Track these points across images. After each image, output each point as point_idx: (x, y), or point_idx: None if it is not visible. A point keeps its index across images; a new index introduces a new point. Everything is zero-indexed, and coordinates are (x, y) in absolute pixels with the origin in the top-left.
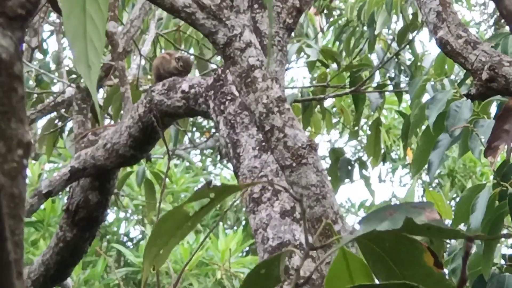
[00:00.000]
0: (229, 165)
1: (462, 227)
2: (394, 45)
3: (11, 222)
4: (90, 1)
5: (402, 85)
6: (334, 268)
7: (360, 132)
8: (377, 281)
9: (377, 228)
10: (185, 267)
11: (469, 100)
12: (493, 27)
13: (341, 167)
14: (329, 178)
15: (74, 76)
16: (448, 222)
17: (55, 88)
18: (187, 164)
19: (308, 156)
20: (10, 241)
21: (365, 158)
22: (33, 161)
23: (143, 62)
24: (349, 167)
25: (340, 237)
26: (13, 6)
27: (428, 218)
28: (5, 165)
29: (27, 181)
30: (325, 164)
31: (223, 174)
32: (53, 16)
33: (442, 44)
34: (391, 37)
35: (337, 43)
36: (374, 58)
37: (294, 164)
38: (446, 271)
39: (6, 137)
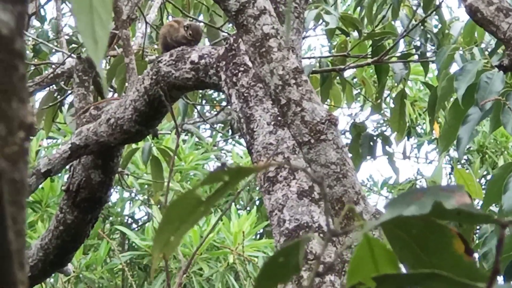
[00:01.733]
0: (242, 140)
1: (493, 208)
2: (420, 11)
3: (12, 209)
4: None
5: (429, 55)
6: (358, 256)
7: (383, 105)
8: (403, 270)
9: (403, 213)
10: (196, 251)
11: (501, 71)
12: None
13: (363, 143)
14: (350, 155)
15: (74, 45)
16: (478, 202)
17: (54, 59)
18: (196, 139)
19: (328, 132)
20: (12, 230)
21: (388, 132)
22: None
23: (149, 30)
24: (372, 143)
25: (364, 222)
26: None
27: (458, 202)
28: (5, 148)
29: None
30: (345, 139)
31: (235, 150)
32: None
33: (472, 11)
34: (416, 2)
35: (358, 9)
36: (398, 26)
37: (312, 141)
38: (476, 255)
39: (6, 118)
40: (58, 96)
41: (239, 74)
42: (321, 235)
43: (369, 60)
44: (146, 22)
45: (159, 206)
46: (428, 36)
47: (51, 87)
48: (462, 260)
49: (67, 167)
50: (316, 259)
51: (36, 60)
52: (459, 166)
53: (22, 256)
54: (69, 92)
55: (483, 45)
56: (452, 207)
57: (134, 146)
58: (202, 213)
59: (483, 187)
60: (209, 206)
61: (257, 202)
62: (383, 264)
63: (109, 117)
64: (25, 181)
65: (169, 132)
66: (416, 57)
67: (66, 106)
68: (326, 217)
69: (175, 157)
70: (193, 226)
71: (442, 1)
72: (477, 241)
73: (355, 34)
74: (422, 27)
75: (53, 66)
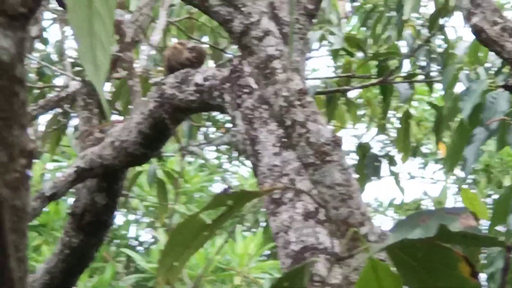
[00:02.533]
0: (247, 161)
1: (500, 228)
2: (424, 31)
3: (14, 237)
4: None
5: (433, 74)
6: (363, 279)
7: (388, 125)
8: None
9: (408, 236)
10: (202, 273)
11: (506, 91)
12: None
13: (368, 163)
14: (355, 175)
15: (78, 68)
16: (483, 222)
17: (58, 82)
18: (201, 161)
19: (333, 153)
20: (14, 257)
21: (393, 153)
22: (35, 160)
23: (153, 52)
24: (377, 164)
25: (369, 246)
26: (14, 4)
27: (463, 225)
28: (6, 175)
29: None
30: (351, 160)
31: (240, 172)
32: (55, 3)
33: (477, 31)
34: (421, 22)
35: (362, 29)
36: (403, 46)
37: (317, 162)
38: (484, 275)
39: (7, 145)
40: (63, 119)
41: (244, 95)
42: (327, 256)
43: (374, 81)
44: (150, 45)
45: (164, 228)
46: (433, 56)
47: (55, 110)
48: (467, 282)
49: (72, 190)
50: (322, 282)
51: (40, 83)
52: (465, 186)
53: (24, 283)
54: (74, 115)
55: (488, 65)
56: (457, 229)
57: (138, 168)
58: (206, 238)
59: (489, 206)
60: (213, 230)
61: (263, 224)
62: (388, 287)
63: (114, 140)
64: (27, 208)
65: (174, 154)
66: (421, 77)
67: (71, 129)
68: (331, 243)
69: (180, 179)
70: (197, 251)
71: (447, 21)
72: (484, 261)
73: (359, 54)
74: (426, 47)
75: (57, 89)
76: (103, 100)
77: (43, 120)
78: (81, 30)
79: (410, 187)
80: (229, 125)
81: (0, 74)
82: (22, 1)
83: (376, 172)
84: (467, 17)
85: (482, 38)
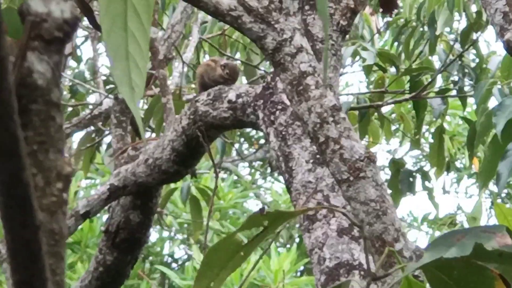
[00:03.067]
0: (281, 177)
1: None
2: (457, 46)
3: (51, 261)
4: (131, 18)
5: (466, 89)
6: None
7: (422, 140)
8: None
9: (444, 255)
10: None
11: None
12: None
13: (402, 179)
14: (389, 191)
15: (111, 86)
16: None
17: (91, 99)
18: (235, 177)
19: (367, 169)
20: (51, 281)
21: (427, 168)
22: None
23: (185, 69)
24: (411, 179)
25: (405, 265)
26: (50, 29)
27: (499, 244)
28: (43, 199)
29: None
30: (384, 175)
31: (274, 187)
32: (87, 21)
33: (510, 47)
34: (453, 37)
35: (395, 45)
36: (436, 61)
37: (351, 178)
38: None
39: (44, 169)
40: (96, 137)
41: (277, 112)
42: (362, 273)
43: (407, 96)
44: (183, 62)
45: (198, 245)
46: (466, 70)
47: (88, 128)
48: None
49: (106, 208)
50: None
51: (73, 101)
52: (498, 200)
53: None
54: (107, 132)
55: None
56: (493, 248)
57: (172, 185)
58: (242, 258)
59: None
60: (250, 251)
61: (297, 240)
62: None
63: (147, 158)
64: (64, 231)
65: (208, 171)
66: (454, 92)
67: (104, 147)
68: (366, 260)
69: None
70: (233, 271)
71: (479, 35)
72: None
73: (392, 69)
74: (459, 62)
75: (90, 107)
76: (139, 122)
77: (76, 138)
78: (117, 54)
79: (443, 201)
80: (262, 141)
81: (36, 98)
82: (58, 26)
83: (410, 188)
84: (500, 33)
85: None
